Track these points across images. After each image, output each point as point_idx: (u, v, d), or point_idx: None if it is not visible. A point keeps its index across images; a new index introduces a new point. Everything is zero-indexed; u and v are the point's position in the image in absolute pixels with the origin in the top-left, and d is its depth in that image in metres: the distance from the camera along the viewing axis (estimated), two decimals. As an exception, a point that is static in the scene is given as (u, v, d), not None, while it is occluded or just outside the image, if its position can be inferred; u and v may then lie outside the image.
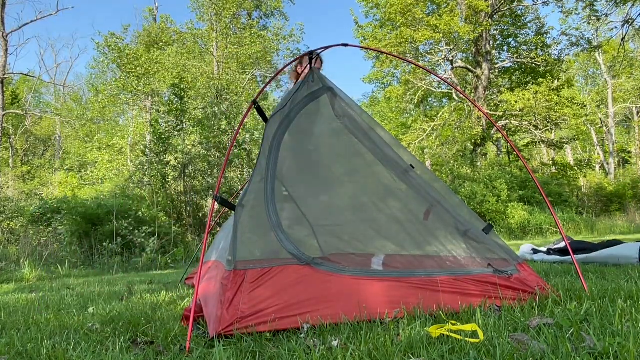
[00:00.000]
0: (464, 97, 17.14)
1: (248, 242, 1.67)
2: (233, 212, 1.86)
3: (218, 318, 1.42)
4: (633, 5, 11.02)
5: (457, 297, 1.58)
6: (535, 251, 3.94)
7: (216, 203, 1.83)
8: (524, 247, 4.22)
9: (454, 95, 16.99)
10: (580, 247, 3.39)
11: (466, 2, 14.88)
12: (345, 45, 2.18)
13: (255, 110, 2.06)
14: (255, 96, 2.05)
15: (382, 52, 2.11)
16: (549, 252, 3.73)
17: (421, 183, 1.87)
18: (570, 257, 3.15)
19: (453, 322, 1.31)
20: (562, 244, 3.78)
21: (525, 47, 16.64)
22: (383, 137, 1.93)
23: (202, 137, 11.60)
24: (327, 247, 1.73)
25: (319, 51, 2.11)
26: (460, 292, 1.59)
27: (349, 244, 1.81)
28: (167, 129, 11.23)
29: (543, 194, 1.94)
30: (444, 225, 1.81)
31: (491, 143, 17.36)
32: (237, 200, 1.79)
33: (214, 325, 1.41)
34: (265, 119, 2.02)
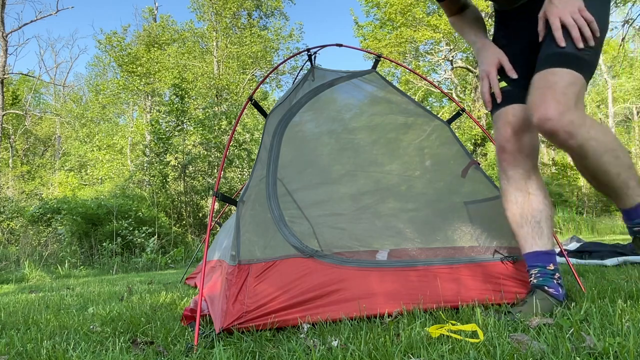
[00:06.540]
0: (463, 98, 17.13)
1: (251, 236, 1.66)
2: (234, 211, 1.86)
3: (224, 312, 1.42)
4: (633, 5, 11.02)
5: (458, 288, 1.57)
6: None
7: (216, 202, 1.83)
8: None
9: (454, 95, 16.98)
10: (595, 250, 3.28)
11: (466, 2, 14.85)
12: (340, 45, 2.26)
13: (253, 107, 2.07)
14: (251, 93, 2.06)
15: (371, 53, 2.17)
16: (560, 254, 3.61)
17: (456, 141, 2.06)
18: (581, 258, 3.14)
19: (453, 322, 1.32)
20: (574, 245, 3.66)
21: (525, 47, 16.62)
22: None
23: (203, 138, 11.61)
24: (327, 245, 1.73)
25: (314, 49, 2.13)
26: (462, 283, 1.59)
27: (351, 242, 1.81)
28: (167, 129, 11.24)
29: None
30: (455, 208, 1.82)
31: (491, 143, 17.34)
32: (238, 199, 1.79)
33: (220, 320, 1.41)
34: (264, 114, 2.02)
